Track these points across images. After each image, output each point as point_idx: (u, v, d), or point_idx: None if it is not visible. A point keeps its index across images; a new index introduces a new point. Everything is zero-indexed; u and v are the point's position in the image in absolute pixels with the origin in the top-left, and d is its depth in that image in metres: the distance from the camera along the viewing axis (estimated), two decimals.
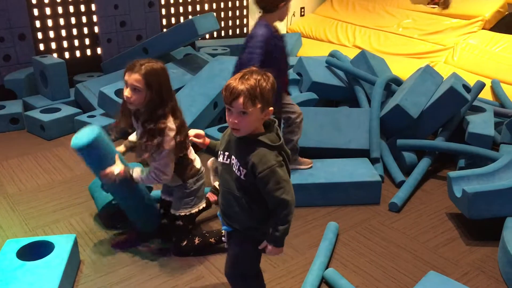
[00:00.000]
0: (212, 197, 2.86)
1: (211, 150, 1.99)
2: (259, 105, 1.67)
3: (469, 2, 5.89)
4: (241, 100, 1.64)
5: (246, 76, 1.68)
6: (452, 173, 2.83)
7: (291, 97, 3.92)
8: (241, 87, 1.65)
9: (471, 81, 4.04)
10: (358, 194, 3.03)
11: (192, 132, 1.98)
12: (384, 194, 3.12)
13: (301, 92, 4.11)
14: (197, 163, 2.48)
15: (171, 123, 2.25)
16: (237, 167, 1.75)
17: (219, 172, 1.87)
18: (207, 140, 1.99)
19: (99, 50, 5.23)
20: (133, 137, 2.53)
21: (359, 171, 3.12)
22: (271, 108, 1.72)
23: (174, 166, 2.34)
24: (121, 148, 2.50)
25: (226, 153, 1.81)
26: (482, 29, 5.38)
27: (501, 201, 2.58)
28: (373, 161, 3.33)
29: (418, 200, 3.11)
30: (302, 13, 7.06)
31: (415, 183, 3.18)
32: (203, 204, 2.57)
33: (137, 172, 2.35)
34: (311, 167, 3.16)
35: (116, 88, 4.00)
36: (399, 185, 3.20)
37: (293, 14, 6.98)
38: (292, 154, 3.03)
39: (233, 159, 1.78)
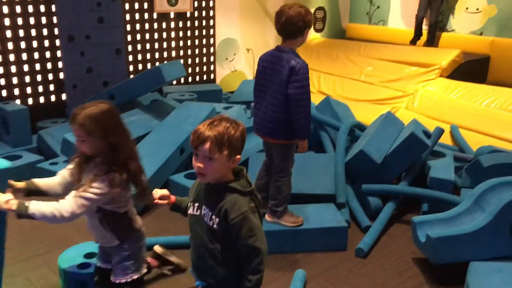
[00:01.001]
0: (154, 263, 2.66)
1: (177, 207, 1.93)
2: (225, 152, 1.67)
3: (427, 51, 6.20)
4: (207, 145, 1.65)
5: (215, 123, 1.69)
6: (416, 218, 2.87)
7: (257, 142, 3.95)
8: (208, 132, 1.66)
9: (431, 126, 4.18)
10: (325, 240, 3.02)
11: (156, 193, 1.90)
12: (351, 239, 3.12)
13: None
14: (137, 223, 2.23)
15: (117, 178, 2.01)
16: (208, 217, 1.73)
17: (190, 225, 1.82)
18: (172, 198, 1.93)
19: (64, 96, 5.17)
20: (43, 181, 2.22)
21: (326, 216, 3.13)
22: (239, 156, 1.72)
23: (112, 223, 2.12)
24: (21, 184, 2.16)
25: (196, 204, 1.78)
26: (440, 76, 5.64)
27: (464, 245, 2.63)
28: (339, 206, 3.35)
29: (384, 245, 3.13)
30: None
31: (381, 228, 3.20)
32: (145, 268, 2.29)
33: (36, 204, 1.99)
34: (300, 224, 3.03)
35: None
36: (365, 230, 3.21)
37: None
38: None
39: (203, 209, 1.75)
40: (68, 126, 4.35)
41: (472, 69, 6.03)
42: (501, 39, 6.11)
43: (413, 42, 6.90)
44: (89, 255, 2.61)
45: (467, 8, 5.88)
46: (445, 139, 4.51)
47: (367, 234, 3.12)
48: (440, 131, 3.90)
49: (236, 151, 1.71)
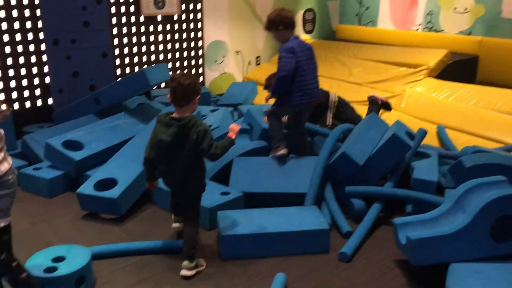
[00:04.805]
0: None
1: None
2: None
3: (414, 52, 6.19)
4: None
5: None
6: (397, 220, 2.86)
7: (242, 145, 3.94)
8: None
9: (418, 127, 4.17)
10: (306, 243, 3.00)
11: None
12: (334, 242, 3.10)
13: (252, 140, 4.14)
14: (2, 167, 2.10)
15: None
16: None
17: None
18: None
19: (50, 101, 5.15)
20: None
21: (307, 219, 3.10)
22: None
23: None
24: None
25: None
26: (428, 76, 5.63)
27: (444, 246, 2.61)
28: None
29: (368, 248, 3.11)
30: (258, 62, 7.23)
31: (365, 231, 3.17)
32: (4, 222, 2.15)
33: None
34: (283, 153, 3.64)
35: (64, 139, 3.92)
36: (346, 235, 3.17)
37: (249, 63, 7.13)
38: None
39: None
40: (53, 130, 4.36)
41: (460, 69, 6.03)
42: (489, 38, 6.11)
43: None
44: (57, 259, 2.60)
45: (455, 8, 5.87)
46: (432, 141, 4.50)
47: (351, 238, 3.09)
48: (423, 132, 3.89)
49: None
